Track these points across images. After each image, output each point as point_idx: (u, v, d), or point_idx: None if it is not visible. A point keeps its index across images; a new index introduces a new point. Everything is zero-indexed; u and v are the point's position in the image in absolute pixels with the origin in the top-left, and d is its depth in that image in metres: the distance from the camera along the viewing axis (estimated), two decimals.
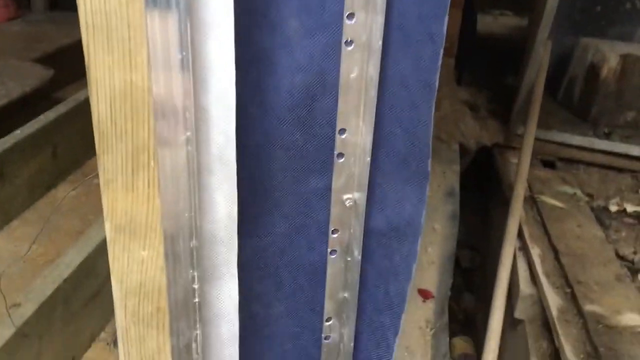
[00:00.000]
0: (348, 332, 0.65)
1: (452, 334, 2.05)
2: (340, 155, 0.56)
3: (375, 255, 0.61)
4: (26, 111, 2.34)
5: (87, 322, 1.56)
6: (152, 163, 0.47)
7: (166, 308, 0.53)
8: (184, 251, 0.50)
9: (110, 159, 0.46)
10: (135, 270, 0.51)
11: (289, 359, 0.62)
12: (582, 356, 1.45)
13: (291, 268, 0.62)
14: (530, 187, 2.20)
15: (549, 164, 2.45)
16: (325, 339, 0.65)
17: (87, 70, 0.45)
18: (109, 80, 0.45)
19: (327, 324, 0.64)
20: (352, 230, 0.59)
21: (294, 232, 0.60)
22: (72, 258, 1.52)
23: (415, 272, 0.60)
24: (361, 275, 0.62)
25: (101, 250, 1.64)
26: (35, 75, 2.58)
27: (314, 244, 0.61)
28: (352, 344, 0.65)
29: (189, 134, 0.47)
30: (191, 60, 0.45)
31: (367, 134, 0.55)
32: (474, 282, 2.67)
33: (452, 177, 2.17)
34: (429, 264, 1.75)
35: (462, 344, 2.27)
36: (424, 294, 1.63)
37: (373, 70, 0.53)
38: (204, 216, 0.50)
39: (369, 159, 0.56)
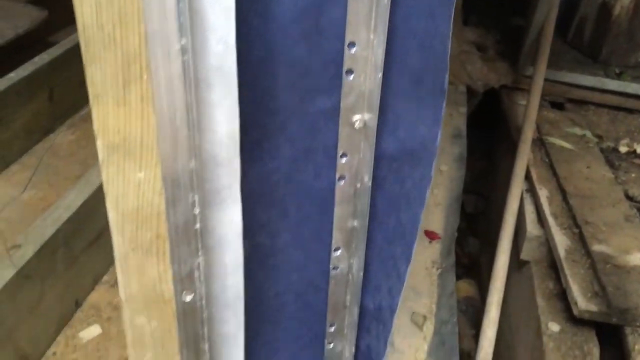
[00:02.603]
0: (357, 262, 0.62)
1: (456, 278, 2.04)
2: (350, 71, 0.52)
3: (387, 181, 0.58)
4: (21, 55, 2.28)
5: (90, 264, 1.55)
6: (144, 75, 0.43)
7: (166, 234, 0.49)
8: (183, 173, 0.47)
9: (98, 70, 0.42)
10: (132, 193, 0.48)
11: (295, 291, 0.59)
12: (589, 295, 1.43)
13: (297, 196, 0.59)
14: (538, 129, 2.15)
15: (557, 106, 2.39)
16: (333, 269, 0.62)
17: None
18: None
19: (335, 254, 0.61)
20: (361, 155, 0.56)
21: (300, 157, 0.56)
22: (72, 200, 1.50)
23: (427, 199, 0.57)
24: (371, 203, 0.59)
25: (102, 193, 1.61)
26: (29, 16, 2.50)
27: (321, 170, 0.57)
28: (361, 275, 0.62)
29: (184, 41, 0.42)
30: None
31: (379, 47, 0.51)
32: (478, 227, 2.66)
33: (458, 118, 2.12)
34: (435, 206, 1.73)
35: (465, 287, 2.27)
36: (431, 235, 1.61)
37: None
38: (203, 135, 0.47)
39: (380, 75, 0.51)
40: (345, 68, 0.52)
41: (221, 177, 0.49)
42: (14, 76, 2.10)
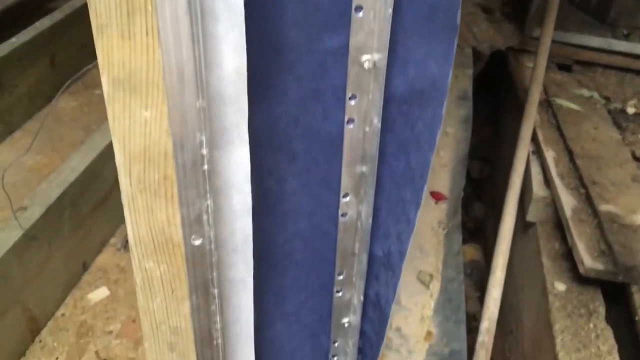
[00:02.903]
0: (366, 208, 0.61)
1: (462, 242, 2.05)
2: (359, 8, 0.50)
3: (396, 123, 0.57)
4: (22, 21, 2.25)
5: (97, 226, 1.55)
6: (149, 6, 0.42)
7: (174, 176, 0.49)
8: (190, 111, 0.46)
9: (101, 0, 0.41)
10: (138, 132, 0.47)
11: (304, 238, 0.58)
12: (595, 254, 1.43)
13: (305, 139, 0.58)
14: (545, 91, 2.13)
15: (565, 68, 2.36)
16: (342, 216, 0.61)
17: None
18: None
19: (344, 200, 0.61)
20: (370, 96, 0.55)
21: (308, 98, 0.55)
22: (77, 162, 1.49)
23: (437, 141, 0.56)
24: (380, 147, 0.58)
25: (107, 155, 1.61)
26: None
27: (329, 112, 0.56)
28: (370, 221, 0.62)
29: None
30: None
31: None
32: (484, 192, 2.66)
33: (465, 80, 2.10)
34: (441, 167, 1.72)
35: (471, 251, 2.28)
36: (437, 196, 1.61)
37: None
38: (210, 71, 0.46)
39: (390, 11, 0.50)
40: (354, 4, 0.50)
41: (229, 116, 0.49)
42: (15, 41, 2.08)
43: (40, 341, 1.37)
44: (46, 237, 1.36)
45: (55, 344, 1.37)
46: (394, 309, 1.21)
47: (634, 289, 1.40)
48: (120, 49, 0.43)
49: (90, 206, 1.53)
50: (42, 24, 2.22)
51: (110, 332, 1.41)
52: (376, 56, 0.53)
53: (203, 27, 0.43)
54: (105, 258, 1.60)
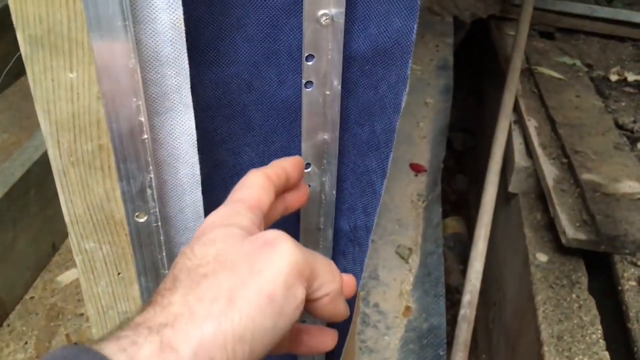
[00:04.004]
0: (330, 179, 0.57)
1: (444, 215, 2.02)
2: None
3: (359, 85, 0.52)
4: None
5: None
6: None
7: (109, 146, 0.44)
8: (122, 73, 0.41)
9: None
10: (64, 97, 0.42)
11: None
12: (577, 224, 1.41)
13: (261, 106, 0.53)
14: (527, 59, 2.08)
15: (547, 35, 2.32)
16: None
17: None
18: None
19: (306, 171, 0.56)
20: (329, 56, 0.50)
21: (261, 61, 0.50)
22: (42, 140, 1.43)
23: (403, 104, 0.51)
24: (342, 112, 0.53)
25: None
26: None
27: (285, 75, 0.51)
28: (334, 193, 0.57)
29: None
30: None
31: None
32: (466, 164, 2.63)
33: (445, 50, 2.05)
34: (421, 139, 1.68)
35: (453, 224, 2.26)
36: (416, 168, 1.57)
37: None
38: (142, 27, 0.40)
39: None
40: None
41: (167, 79, 0.44)
42: None
43: (8, 325, 1.33)
44: (10, 218, 1.30)
45: (24, 328, 1.32)
46: (370, 286, 1.18)
47: (616, 258, 1.38)
48: (36, 1, 0.37)
49: None
50: None
51: (82, 314, 1.37)
52: (333, 10, 0.48)
53: None
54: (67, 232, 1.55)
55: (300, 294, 0.36)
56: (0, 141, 1.87)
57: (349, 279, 0.46)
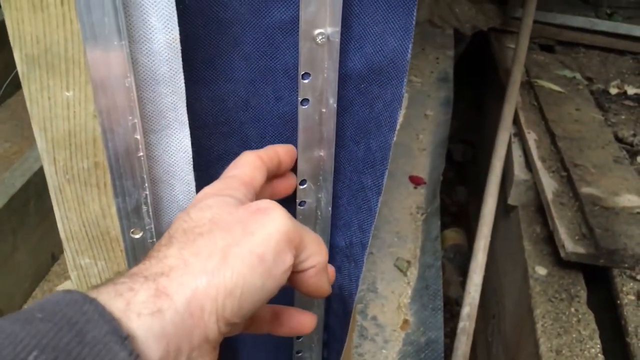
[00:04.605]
0: (325, 196, 0.57)
1: (444, 227, 2.02)
2: None
3: (355, 103, 0.52)
4: None
5: None
6: None
7: (105, 163, 0.44)
8: (118, 92, 0.41)
9: None
10: (61, 115, 0.42)
11: None
12: (576, 238, 1.41)
13: (258, 123, 0.53)
14: (527, 72, 2.09)
15: (547, 48, 2.33)
16: (300, 205, 0.57)
17: None
18: None
19: (302, 187, 0.56)
20: (325, 74, 0.50)
21: (257, 79, 0.51)
22: None
23: (398, 122, 0.51)
24: (338, 130, 0.53)
25: None
26: None
27: (282, 93, 0.52)
28: (329, 210, 0.58)
29: None
30: None
31: None
32: (466, 175, 2.63)
33: (446, 62, 2.05)
34: (420, 151, 1.68)
35: (453, 235, 2.25)
36: (415, 181, 1.57)
37: None
38: (138, 46, 0.41)
39: None
40: None
41: (163, 97, 0.44)
42: None
43: None
44: (10, 228, 1.31)
45: None
46: (368, 299, 1.18)
47: (615, 272, 1.38)
48: (33, 22, 0.38)
49: None
50: None
51: None
52: (329, 30, 0.48)
53: None
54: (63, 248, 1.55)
55: (288, 259, 0.38)
56: (2, 150, 1.87)
57: (331, 270, 0.48)
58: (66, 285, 1.45)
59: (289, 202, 0.56)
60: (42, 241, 1.43)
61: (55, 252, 1.49)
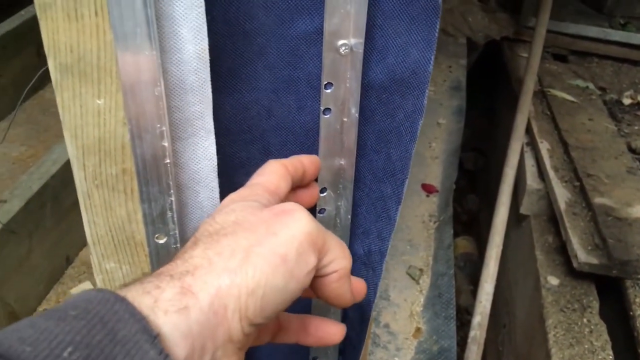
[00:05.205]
0: (345, 204, 0.58)
1: (455, 235, 2.02)
2: None
3: (376, 113, 0.53)
4: (7, 10, 2.21)
5: (81, 220, 1.51)
6: None
7: (133, 169, 0.45)
8: (147, 100, 0.42)
9: None
10: (91, 122, 0.43)
11: None
12: (589, 248, 1.40)
13: (279, 131, 0.54)
14: (540, 81, 2.09)
15: (560, 58, 2.33)
16: (320, 212, 0.58)
17: None
18: None
19: (322, 195, 0.57)
20: (348, 84, 0.51)
21: (281, 88, 0.52)
22: (59, 154, 1.46)
23: (419, 132, 0.52)
24: (359, 139, 0.54)
25: None
26: None
27: (304, 102, 0.52)
28: (349, 218, 0.58)
29: None
30: None
31: None
32: (478, 184, 2.63)
33: (458, 71, 2.06)
34: (432, 159, 1.69)
35: (464, 244, 2.25)
36: (428, 189, 1.57)
37: None
38: (168, 56, 0.42)
39: None
40: None
41: (191, 105, 0.45)
42: (0, 30, 2.04)
43: None
44: (26, 230, 1.32)
45: None
46: (381, 307, 1.18)
47: (628, 283, 1.37)
48: (67, 31, 0.39)
49: (73, 199, 1.48)
50: (28, 12, 2.17)
51: None
52: (353, 41, 0.49)
53: (158, 7, 0.40)
54: (89, 252, 1.56)
55: (312, 261, 0.38)
56: (17, 153, 1.89)
57: (360, 284, 0.48)
58: (80, 288, 1.46)
59: (309, 210, 0.57)
60: (57, 244, 1.44)
61: (69, 255, 1.51)
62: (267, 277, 0.35)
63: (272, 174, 0.46)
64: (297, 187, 0.50)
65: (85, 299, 0.31)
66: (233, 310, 0.34)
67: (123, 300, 0.31)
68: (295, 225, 0.38)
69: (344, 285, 0.42)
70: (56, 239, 1.43)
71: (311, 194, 0.52)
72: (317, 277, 0.40)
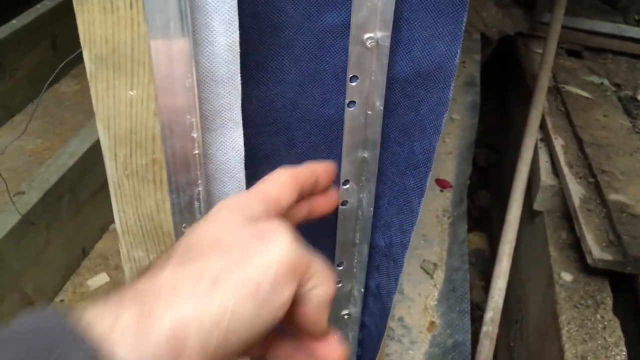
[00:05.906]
0: (367, 197, 0.58)
1: (467, 230, 2.01)
2: None
3: (400, 106, 0.53)
4: (23, 3, 2.22)
5: (97, 212, 1.53)
6: None
7: (162, 160, 0.46)
8: (178, 91, 0.43)
9: None
10: (124, 113, 0.44)
11: (301, 228, 0.55)
12: (603, 244, 1.40)
13: (304, 123, 0.55)
14: (554, 77, 2.08)
15: (575, 54, 2.31)
16: (342, 204, 0.59)
17: None
18: None
19: (344, 187, 0.58)
20: (373, 77, 0.51)
21: (306, 81, 0.52)
22: (76, 147, 1.47)
23: (443, 126, 0.53)
24: (383, 132, 0.54)
25: None
26: None
27: (329, 95, 0.53)
28: (371, 210, 0.59)
29: None
30: None
31: None
32: (490, 180, 2.62)
33: (472, 66, 2.05)
34: (447, 155, 1.69)
35: (476, 240, 2.25)
36: (442, 184, 1.57)
37: None
38: (200, 48, 0.43)
39: None
40: None
41: (221, 97, 0.46)
42: (16, 23, 2.06)
43: None
44: (44, 222, 1.34)
45: None
46: (395, 300, 1.18)
47: None
48: (103, 23, 0.40)
49: (90, 191, 1.50)
50: (43, 6, 2.19)
51: None
52: (379, 34, 0.49)
53: (192, 0, 0.40)
54: (105, 244, 1.58)
55: (287, 291, 0.35)
56: (33, 146, 1.91)
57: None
58: (96, 279, 1.48)
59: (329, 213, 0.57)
60: (74, 236, 1.46)
61: (86, 247, 1.52)
62: (234, 308, 0.32)
63: (276, 182, 0.43)
64: (311, 193, 0.47)
65: (33, 326, 0.29)
66: (195, 339, 0.31)
67: (74, 328, 0.30)
68: (274, 250, 0.35)
69: (322, 314, 0.38)
70: (73, 231, 1.45)
71: (328, 200, 0.50)
72: (295, 303, 0.36)
